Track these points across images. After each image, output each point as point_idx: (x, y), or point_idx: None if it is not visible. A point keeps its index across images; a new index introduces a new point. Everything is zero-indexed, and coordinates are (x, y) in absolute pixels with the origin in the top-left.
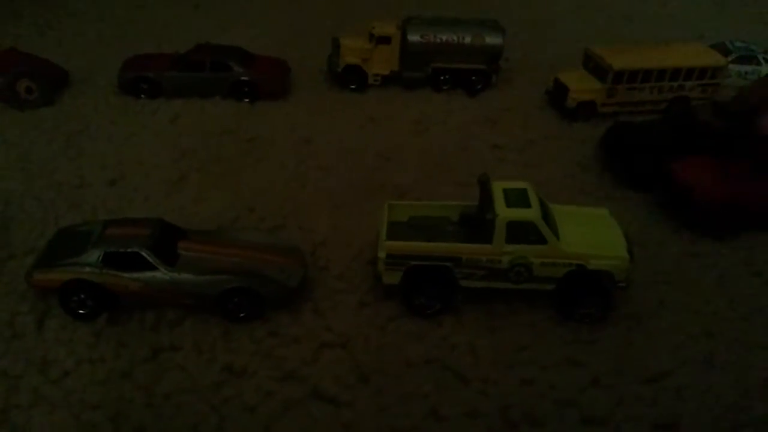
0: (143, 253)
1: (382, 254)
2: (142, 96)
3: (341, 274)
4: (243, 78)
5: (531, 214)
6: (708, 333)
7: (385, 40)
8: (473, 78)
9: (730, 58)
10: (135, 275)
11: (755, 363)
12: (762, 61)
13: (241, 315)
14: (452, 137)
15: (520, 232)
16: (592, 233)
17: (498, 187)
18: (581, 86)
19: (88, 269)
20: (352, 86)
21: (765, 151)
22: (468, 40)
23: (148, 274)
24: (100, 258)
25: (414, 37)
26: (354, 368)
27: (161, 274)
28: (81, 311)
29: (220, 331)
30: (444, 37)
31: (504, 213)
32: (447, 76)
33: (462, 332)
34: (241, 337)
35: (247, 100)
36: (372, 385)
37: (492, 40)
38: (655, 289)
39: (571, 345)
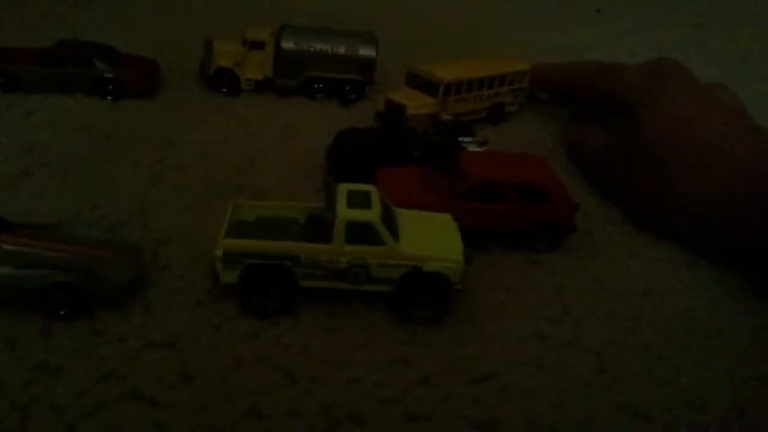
0: None
1: (218, 252)
2: None
3: (181, 273)
4: (107, 75)
5: (370, 215)
6: (540, 336)
7: (259, 45)
8: (347, 88)
9: None
10: None
11: (582, 364)
12: None
13: (62, 312)
14: (320, 145)
15: (359, 232)
16: (431, 237)
17: (342, 189)
18: (416, 103)
19: None
20: (224, 90)
21: (457, 161)
22: (342, 50)
23: None
24: None
25: (287, 44)
26: (179, 368)
27: None
28: None
29: (39, 329)
30: (318, 46)
31: (344, 213)
32: (321, 85)
33: (298, 332)
34: (62, 335)
35: (110, 98)
36: (195, 384)
37: (365, 51)
38: (495, 295)
39: (405, 345)
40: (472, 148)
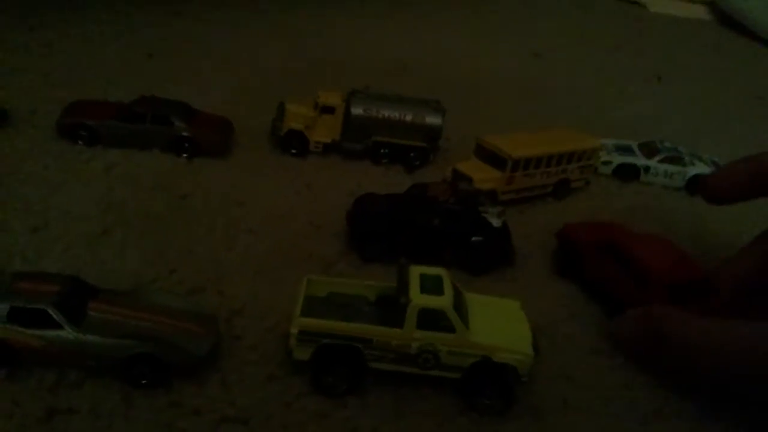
0: (49, 311)
1: (294, 330)
2: (80, 142)
3: (254, 345)
4: (183, 134)
5: (443, 302)
6: None
7: (329, 109)
8: (412, 154)
9: (657, 158)
10: (39, 332)
11: None
12: (688, 162)
13: (144, 382)
14: None
15: (431, 318)
16: (500, 325)
17: (415, 272)
18: (483, 176)
19: None
20: (293, 151)
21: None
22: (409, 117)
23: (53, 333)
24: (6, 312)
25: (357, 110)
26: None
27: (66, 333)
28: None
29: (121, 397)
30: (386, 113)
31: (417, 299)
32: (386, 150)
33: (366, 415)
34: (141, 404)
35: (185, 155)
36: None
37: (432, 120)
38: (560, 385)
39: None
40: (492, 217)
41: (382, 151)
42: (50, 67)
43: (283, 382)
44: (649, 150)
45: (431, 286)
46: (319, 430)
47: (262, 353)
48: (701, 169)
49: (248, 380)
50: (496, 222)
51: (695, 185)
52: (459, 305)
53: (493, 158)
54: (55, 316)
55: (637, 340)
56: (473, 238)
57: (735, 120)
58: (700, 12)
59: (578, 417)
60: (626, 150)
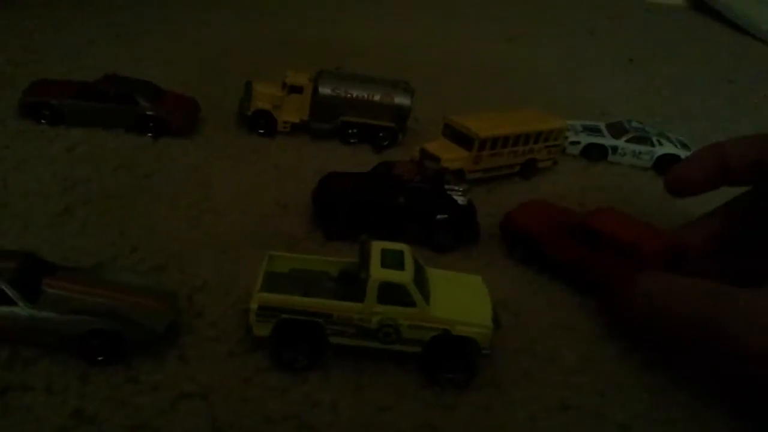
0: (3, 287)
1: (253, 305)
2: (42, 122)
3: (215, 321)
4: (148, 113)
5: (403, 277)
6: (565, 406)
7: (297, 89)
8: (380, 134)
9: (624, 138)
10: None
11: None
12: (655, 142)
13: (100, 358)
14: None
15: (391, 293)
16: (461, 300)
17: (376, 248)
18: (451, 155)
19: None
20: (261, 131)
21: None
22: (377, 98)
23: (6, 309)
24: None
25: (325, 90)
26: (210, 422)
27: (20, 309)
28: None
29: (77, 374)
30: (354, 93)
31: (377, 274)
32: (355, 130)
33: (326, 389)
34: (98, 381)
35: (150, 135)
36: None
37: (400, 100)
38: (522, 359)
39: (431, 409)
40: (458, 195)
41: (350, 131)
42: (15, 47)
43: (242, 358)
44: (616, 130)
45: (392, 261)
46: (279, 405)
47: (222, 330)
48: (669, 149)
49: (208, 356)
50: (461, 200)
51: (663, 165)
52: (420, 280)
53: (461, 138)
54: (9, 292)
55: (640, 310)
56: (438, 216)
57: (705, 102)
58: None
59: (539, 389)
60: (594, 130)
